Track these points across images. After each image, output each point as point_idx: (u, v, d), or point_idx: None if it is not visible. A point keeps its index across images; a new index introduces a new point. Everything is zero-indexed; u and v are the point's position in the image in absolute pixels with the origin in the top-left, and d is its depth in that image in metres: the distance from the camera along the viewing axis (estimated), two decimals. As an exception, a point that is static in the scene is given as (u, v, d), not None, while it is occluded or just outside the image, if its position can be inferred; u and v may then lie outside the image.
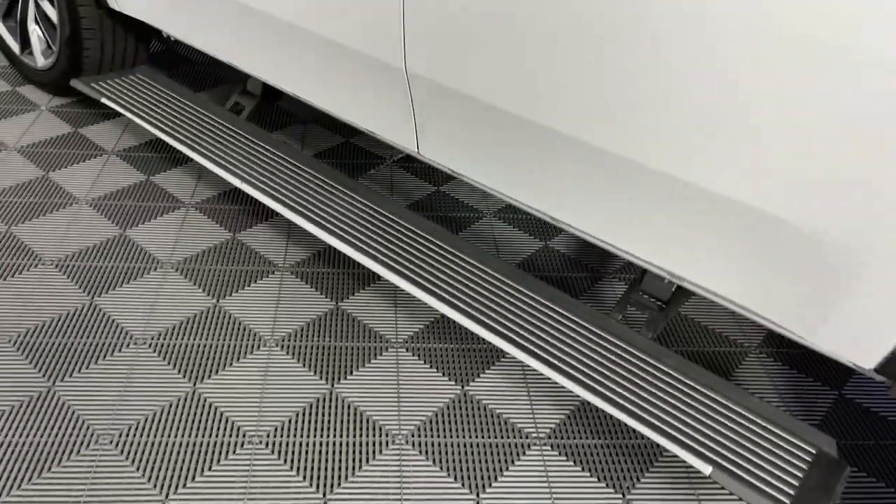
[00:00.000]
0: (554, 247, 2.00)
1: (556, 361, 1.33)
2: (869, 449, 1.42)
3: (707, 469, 1.18)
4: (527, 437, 1.45)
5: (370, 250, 1.57)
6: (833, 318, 1.08)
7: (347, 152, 2.37)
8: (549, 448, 1.43)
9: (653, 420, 1.24)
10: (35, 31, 2.40)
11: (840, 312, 1.08)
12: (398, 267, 1.52)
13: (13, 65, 2.58)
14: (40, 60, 2.44)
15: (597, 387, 1.29)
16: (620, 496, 1.36)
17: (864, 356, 1.09)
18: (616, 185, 1.25)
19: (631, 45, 1.10)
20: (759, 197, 1.07)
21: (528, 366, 1.61)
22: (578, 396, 1.55)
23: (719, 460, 1.18)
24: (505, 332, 1.38)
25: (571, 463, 1.41)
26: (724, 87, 1.04)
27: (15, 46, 2.51)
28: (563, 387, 1.56)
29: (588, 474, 1.39)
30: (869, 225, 0.99)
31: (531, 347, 1.35)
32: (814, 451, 1.21)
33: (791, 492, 1.14)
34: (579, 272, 1.90)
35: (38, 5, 2.36)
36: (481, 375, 1.58)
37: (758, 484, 1.15)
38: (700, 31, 1.03)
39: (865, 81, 0.92)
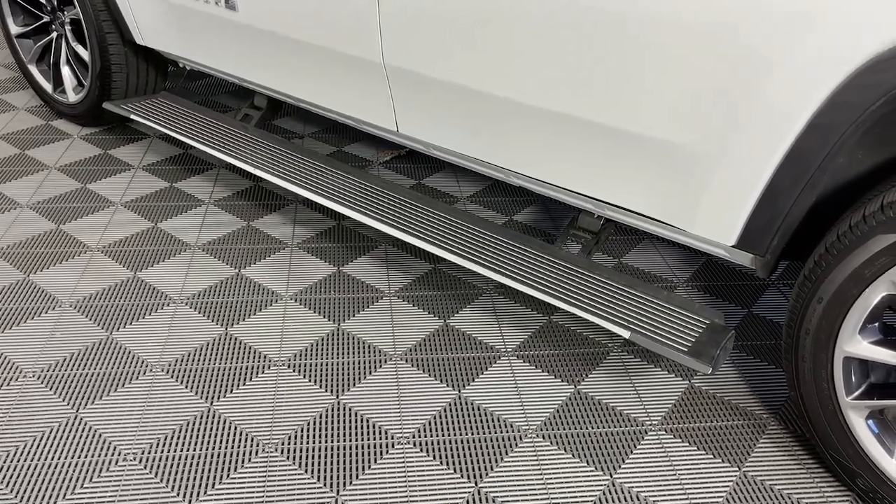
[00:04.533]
0: (517, 220, 2.15)
1: (517, 276, 1.68)
2: None
3: (626, 333, 1.52)
4: (518, 430, 1.57)
5: (362, 208, 1.94)
6: (703, 209, 1.44)
7: (341, 158, 2.55)
8: (541, 439, 1.55)
9: (585, 305, 1.59)
10: (66, 71, 2.78)
11: (707, 204, 1.42)
12: (394, 222, 1.88)
13: (46, 103, 2.97)
14: (71, 96, 2.80)
15: (546, 289, 1.64)
16: (608, 477, 1.47)
17: (727, 234, 1.42)
18: (558, 135, 1.60)
19: (555, 36, 1.46)
20: (653, 128, 1.43)
21: (516, 362, 1.73)
22: (565, 392, 1.67)
23: (635, 329, 1.53)
24: (479, 260, 1.74)
25: (562, 451, 1.52)
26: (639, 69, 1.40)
27: (48, 86, 2.89)
28: (550, 384, 1.69)
29: (578, 460, 1.50)
30: (717, 137, 1.34)
31: (498, 268, 1.71)
32: (707, 322, 1.56)
33: (688, 344, 1.49)
34: (537, 237, 2.04)
35: (69, 48, 2.72)
36: (475, 380, 1.70)
37: (664, 341, 1.50)
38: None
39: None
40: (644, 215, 1.55)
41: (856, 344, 1.28)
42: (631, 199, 1.56)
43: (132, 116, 2.47)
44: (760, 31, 1.21)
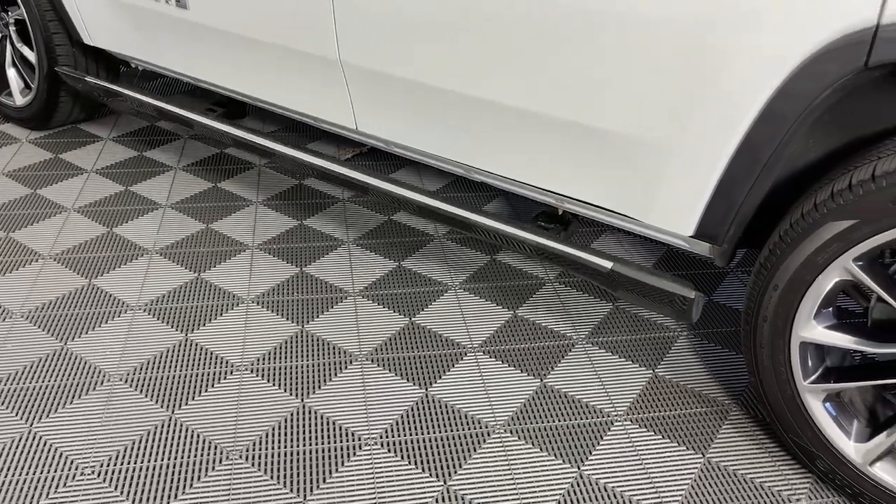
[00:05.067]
0: (500, 259, 2.14)
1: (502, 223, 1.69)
2: None
3: (609, 263, 1.53)
4: (486, 427, 1.57)
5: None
6: (661, 201, 1.44)
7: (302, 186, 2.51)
8: (509, 434, 1.55)
9: (566, 252, 1.59)
10: (12, 73, 2.70)
11: (665, 195, 1.42)
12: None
13: None
14: (18, 99, 2.72)
15: (532, 232, 1.65)
16: (576, 469, 1.48)
17: (685, 225, 1.43)
18: (516, 131, 1.59)
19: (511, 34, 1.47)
20: (609, 122, 1.43)
21: (482, 357, 1.73)
22: (532, 386, 1.68)
23: (617, 260, 1.54)
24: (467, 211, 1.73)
25: (530, 445, 1.53)
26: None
27: None
28: (517, 379, 1.69)
29: (546, 454, 1.51)
30: (672, 129, 1.35)
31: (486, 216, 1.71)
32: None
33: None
34: (520, 279, 2.05)
35: (15, 49, 2.64)
36: (442, 377, 1.70)
37: (646, 272, 1.50)
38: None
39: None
40: (604, 208, 1.56)
41: (811, 329, 1.30)
42: (590, 192, 1.56)
43: (87, 78, 2.42)
44: (712, 23, 1.22)
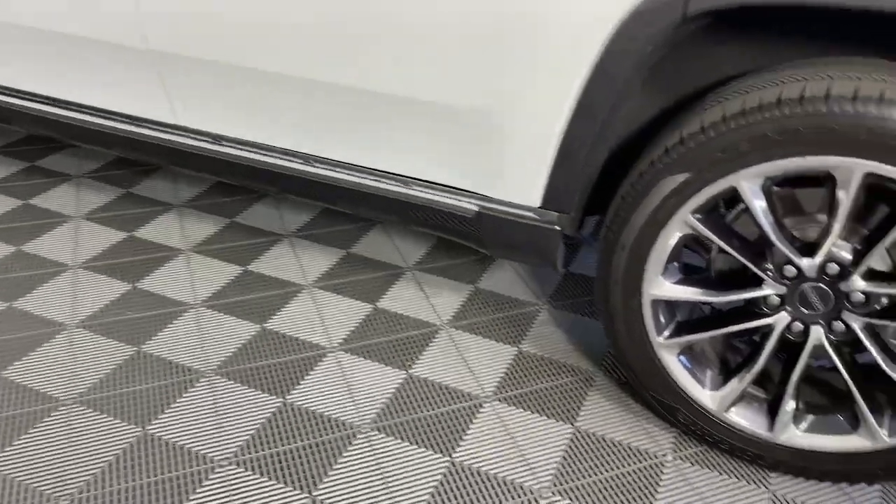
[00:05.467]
0: (355, 252, 2.05)
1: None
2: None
3: (475, 207, 1.49)
4: (351, 428, 1.47)
5: None
6: (505, 173, 1.42)
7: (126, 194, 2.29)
8: (375, 432, 1.47)
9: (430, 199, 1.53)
10: None
11: (507, 167, 1.41)
12: None
13: None
14: None
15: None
16: (448, 458, 1.42)
17: (531, 197, 1.42)
18: (341, 109, 1.52)
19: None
20: (447, 96, 1.39)
21: (343, 356, 1.64)
22: (397, 378, 1.60)
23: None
24: None
25: (399, 440, 1.45)
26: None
27: None
28: (381, 374, 1.61)
29: (416, 446, 1.44)
30: (504, 98, 1.33)
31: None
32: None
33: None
34: (378, 271, 1.98)
35: None
36: (300, 383, 1.58)
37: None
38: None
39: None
40: (451, 187, 1.51)
41: (660, 286, 1.32)
42: (435, 170, 1.51)
43: None
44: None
